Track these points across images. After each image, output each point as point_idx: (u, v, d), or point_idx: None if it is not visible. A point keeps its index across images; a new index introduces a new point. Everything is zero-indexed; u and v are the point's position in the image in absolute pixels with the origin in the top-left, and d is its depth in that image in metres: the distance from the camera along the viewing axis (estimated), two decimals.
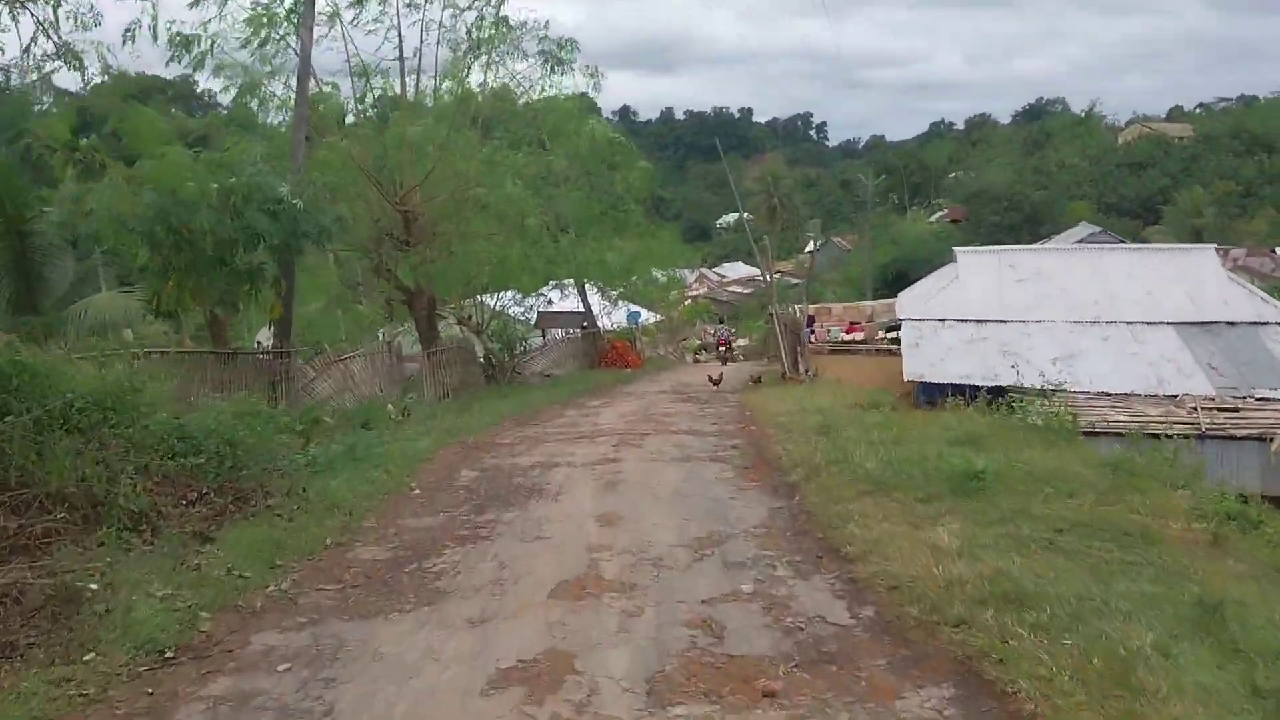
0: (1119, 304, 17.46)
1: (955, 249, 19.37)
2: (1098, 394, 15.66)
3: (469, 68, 19.40)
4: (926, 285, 19.73)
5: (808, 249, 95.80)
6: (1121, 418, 14.18)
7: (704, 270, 73.18)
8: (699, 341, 53.73)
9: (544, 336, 28.61)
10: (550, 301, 29.31)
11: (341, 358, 16.66)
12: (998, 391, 13.82)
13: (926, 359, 16.94)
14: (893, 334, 24.70)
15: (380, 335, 19.23)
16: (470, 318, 24.30)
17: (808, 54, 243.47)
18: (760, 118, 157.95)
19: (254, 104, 18.28)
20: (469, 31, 18.71)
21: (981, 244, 54.04)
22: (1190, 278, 18.32)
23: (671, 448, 10.82)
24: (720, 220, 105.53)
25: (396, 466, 9.52)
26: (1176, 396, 15.50)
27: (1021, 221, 55.10)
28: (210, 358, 13.29)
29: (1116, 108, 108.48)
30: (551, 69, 19.54)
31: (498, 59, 19.40)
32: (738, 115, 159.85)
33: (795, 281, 74.49)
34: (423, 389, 18.92)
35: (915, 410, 14.02)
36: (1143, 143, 76.45)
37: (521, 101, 20.96)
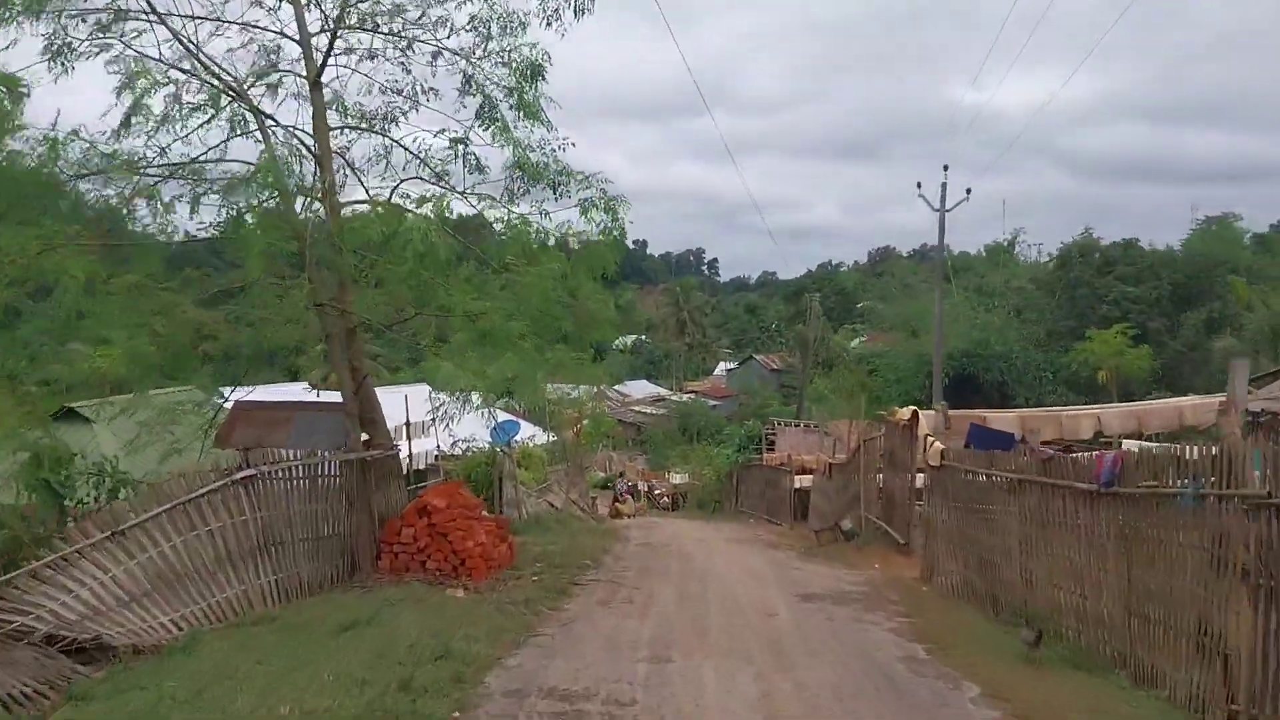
0: None
1: None
2: None
3: None
4: None
5: (718, 369, 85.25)
6: None
7: (602, 387, 60.35)
8: (603, 474, 40.42)
9: (248, 465, 10.16)
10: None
11: None
12: None
13: None
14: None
15: None
16: None
17: (693, 195, 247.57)
18: (655, 250, 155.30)
19: None
20: None
21: (1099, 327, 39.22)
22: None
23: None
24: (617, 340, 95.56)
25: None
26: None
27: (1167, 295, 40.13)
28: None
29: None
30: None
31: None
32: (633, 246, 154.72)
33: (714, 403, 62.51)
34: None
35: None
36: None
37: None
